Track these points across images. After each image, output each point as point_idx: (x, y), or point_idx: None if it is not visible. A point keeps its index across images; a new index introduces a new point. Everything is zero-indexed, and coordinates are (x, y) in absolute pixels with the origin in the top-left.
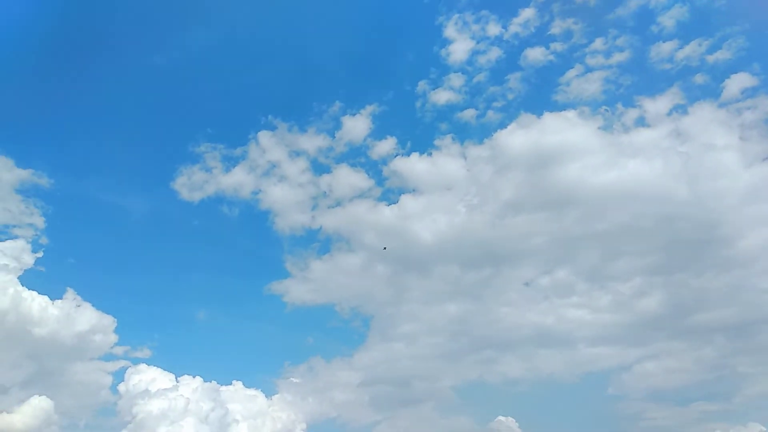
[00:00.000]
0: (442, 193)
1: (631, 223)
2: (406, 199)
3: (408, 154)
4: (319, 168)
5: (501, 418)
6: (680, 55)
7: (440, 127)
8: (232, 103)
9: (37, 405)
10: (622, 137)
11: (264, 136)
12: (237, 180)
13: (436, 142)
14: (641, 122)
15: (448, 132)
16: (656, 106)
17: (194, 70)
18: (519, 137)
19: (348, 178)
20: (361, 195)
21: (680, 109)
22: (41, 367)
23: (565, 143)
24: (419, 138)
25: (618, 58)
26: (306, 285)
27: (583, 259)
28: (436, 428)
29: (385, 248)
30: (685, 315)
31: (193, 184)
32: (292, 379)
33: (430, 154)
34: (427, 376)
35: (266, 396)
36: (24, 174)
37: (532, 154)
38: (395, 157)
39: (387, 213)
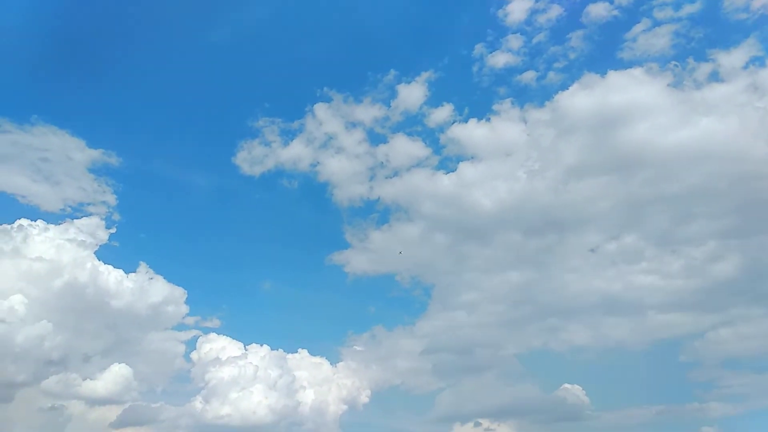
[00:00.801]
0: (502, 159)
1: (704, 184)
2: (464, 167)
3: (465, 121)
4: (375, 138)
5: (567, 385)
6: (756, 3)
7: (498, 92)
8: (288, 77)
9: (118, 372)
10: (694, 94)
11: (320, 109)
12: (295, 153)
13: (495, 107)
14: (714, 77)
15: (506, 96)
16: (731, 59)
17: (249, 46)
18: (582, 98)
19: (405, 148)
20: (419, 164)
21: (757, 62)
22: (119, 336)
23: (632, 102)
24: (477, 104)
25: (688, 9)
26: (366, 255)
27: (652, 224)
28: (500, 396)
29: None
30: (763, 279)
31: (253, 158)
32: (355, 347)
33: (488, 120)
34: (489, 344)
35: (331, 364)
36: (95, 154)
37: (597, 115)
38: (452, 124)
39: (445, 181)
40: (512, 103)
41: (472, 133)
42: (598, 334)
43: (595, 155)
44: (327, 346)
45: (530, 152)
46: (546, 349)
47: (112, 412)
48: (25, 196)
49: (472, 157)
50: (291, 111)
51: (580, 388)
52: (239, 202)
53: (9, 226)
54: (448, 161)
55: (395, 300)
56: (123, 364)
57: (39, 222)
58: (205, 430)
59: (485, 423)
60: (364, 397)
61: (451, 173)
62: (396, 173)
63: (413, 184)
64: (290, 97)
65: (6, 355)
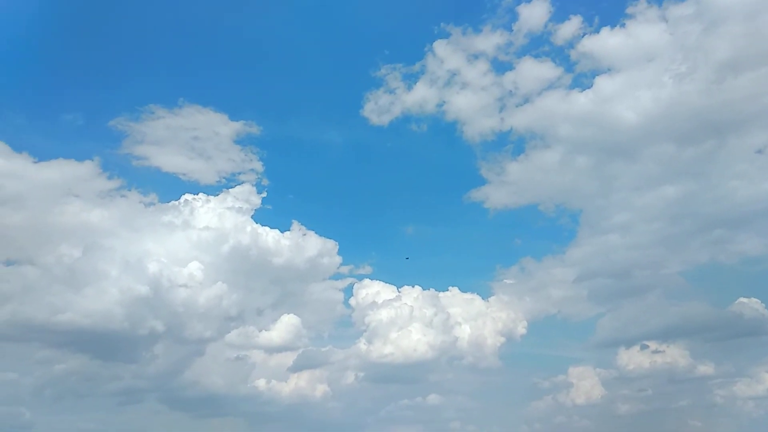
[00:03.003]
0: (643, 66)
1: None
2: (601, 82)
3: (597, 31)
4: (500, 67)
5: (743, 299)
6: None
7: None
8: (402, 20)
9: (288, 322)
10: None
11: (439, 46)
12: (420, 96)
13: (629, 11)
14: None
15: None
16: None
17: None
18: None
19: (533, 71)
20: (550, 86)
21: None
22: (284, 290)
23: None
24: (608, 10)
25: None
26: (505, 188)
27: None
28: (665, 316)
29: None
30: None
31: (380, 108)
32: (505, 281)
33: (623, 26)
34: (648, 264)
35: (483, 298)
36: (238, 126)
37: None
38: (582, 37)
39: (581, 100)
40: (648, 3)
41: (606, 43)
42: None
43: (753, 46)
44: (477, 282)
45: (675, 54)
46: (714, 263)
47: (288, 358)
48: (185, 173)
49: (609, 70)
50: (410, 54)
51: (759, 301)
52: (372, 152)
53: (177, 202)
54: (582, 78)
55: (541, 230)
56: (291, 315)
57: (200, 195)
58: (373, 369)
59: (652, 345)
60: (521, 329)
61: (587, 90)
62: (527, 100)
63: (547, 108)
64: (408, 40)
65: (192, 316)
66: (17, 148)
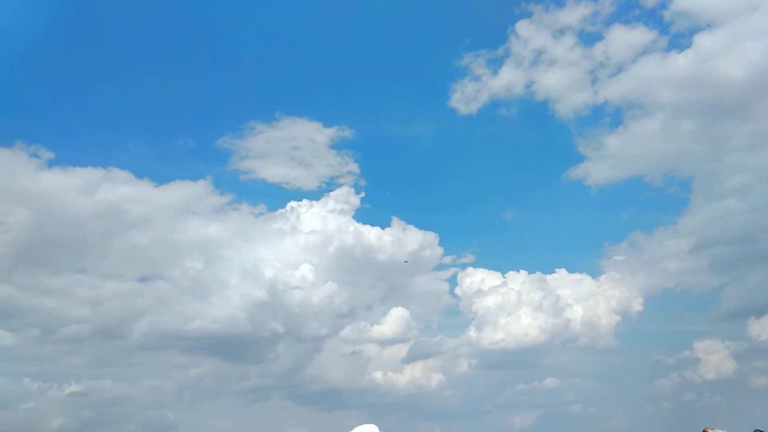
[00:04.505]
0: (747, 16)
1: None
2: (700, 39)
3: None
4: (588, 38)
5: None
6: None
7: None
8: (482, 5)
9: (397, 315)
10: None
11: (522, 26)
12: (507, 79)
13: None
14: None
15: None
16: None
17: None
18: None
19: (624, 38)
20: (645, 51)
21: None
22: (390, 284)
23: None
24: None
25: None
26: (605, 163)
27: None
28: None
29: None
30: None
31: (467, 97)
32: (615, 257)
33: None
34: None
35: (593, 278)
36: (331, 131)
37: None
38: None
39: (680, 62)
40: None
41: None
42: None
43: None
44: (585, 262)
45: None
46: None
47: (401, 350)
48: (288, 182)
49: (709, 25)
50: (493, 39)
51: None
52: (463, 141)
53: (283, 210)
54: (679, 38)
55: (648, 202)
56: (400, 308)
57: (304, 201)
58: (485, 356)
59: None
60: (636, 305)
61: (685, 50)
62: (620, 69)
63: (642, 74)
64: (488, 26)
65: (308, 315)
66: (139, 174)
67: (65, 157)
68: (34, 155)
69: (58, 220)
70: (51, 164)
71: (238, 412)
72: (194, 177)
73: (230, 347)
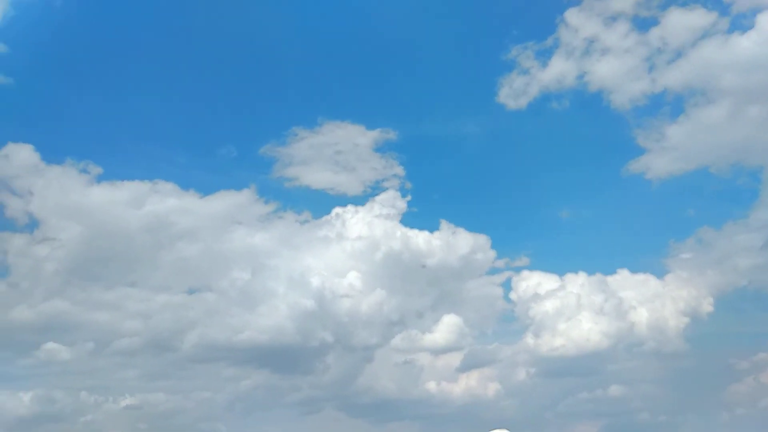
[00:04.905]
0: None
1: None
2: (764, 19)
3: None
4: (643, 24)
5: None
6: None
7: None
8: None
9: (449, 322)
10: None
11: (571, 15)
12: (557, 71)
13: None
14: None
15: None
16: None
17: None
18: None
19: (682, 22)
20: (705, 34)
21: None
22: (441, 290)
23: None
24: None
25: None
26: (667, 155)
27: None
28: None
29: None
30: None
31: (515, 92)
32: (681, 255)
33: None
34: None
35: (657, 278)
36: (375, 135)
37: None
38: None
39: (744, 44)
40: None
41: None
42: None
43: None
44: (648, 261)
45: None
46: None
47: (455, 358)
48: (332, 188)
49: None
50: (541, 30)
51: None
52: (513, 138)
53: (328, 217)
54: (741, 19)
55: (716, 195)
56: (452, 314)
57: (349, 207)
58: (544, 363)
59: None
60: (706, 306)
61: (749, 31)
62: (679, 54)
63: (704, 59)
64: (536, 16)
65: (357, 324)
66: (184, 186)
67: (113, 172)
68: (84, 171)
69: (109, 234)
70: (100, 179)
71: (291, 424)
72: (238, 186)
73: (280, 358)
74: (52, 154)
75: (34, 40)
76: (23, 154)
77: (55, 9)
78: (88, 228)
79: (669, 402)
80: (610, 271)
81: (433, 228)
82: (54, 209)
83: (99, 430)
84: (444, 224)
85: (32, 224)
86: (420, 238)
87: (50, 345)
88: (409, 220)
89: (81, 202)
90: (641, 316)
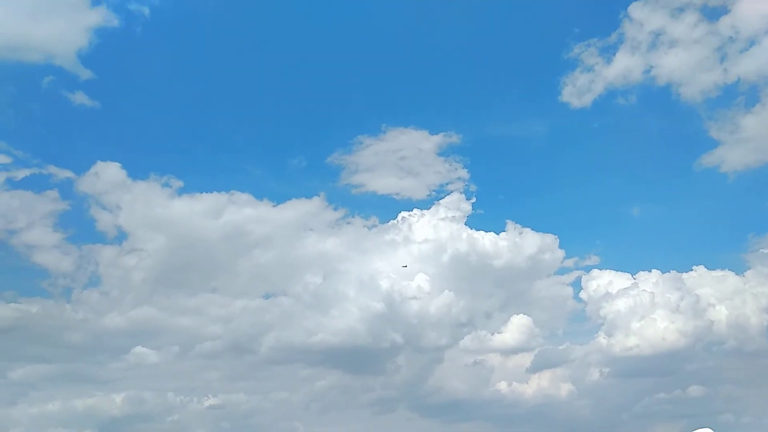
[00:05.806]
0: None
1: None
2: None
3: None
4: (713, 13)
5: None
6: None
7: None
8: None
9: (518, 322)
10: None
11: (636, 8)
12: (623, 66)
13: None
14: None
15: None
16: None
17: None
18: None
19: (754, 9)
20: None
21: None
22: (509, 291)
23: None
24: None
25: None
26: (742, 146)
27: None
28: None
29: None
30: None
31: (579, 90)
32: (762, 250)
33: None
34: None
35: (737, 274)
36: (438, 139)
37: None
38: None
39: None
40: None
41: None
42: None
43: None
44: (727, 257)
45: None
46: None
47: (525, 359)
48: (398, 192)
49: None
50: (604, 26)
51: None
52: (578, 136)
53: (395, 221)
54: None
55: None
56: (521, 315)
57: (415, 211)
58: (618, 363)
59: None
60: None
61: None
62: (752, 42)
63: None
64: (598, 12)
65: (426, 326)
66: (258, 196)
67: (192, 185)
68: (166, 185)
69: (190, 244)
70: (181, 192)
71: (365, 424)
72: (309, 194)
73: (352, 359)
74: (137, 171)
75: (117, 66)
76: (111, 171)
77: (135, 37)
78: (172, 239)
79: (754, 403)
80: (686, 268)
81: (499, 229)
82: (140, 222)
83: (185, 429)
84: (510, 225)
85: (121, 236)
86: (486, 239)
87: (139, 349)
88: (474, 222)
89: (164, 214)
90: (720, 313)
